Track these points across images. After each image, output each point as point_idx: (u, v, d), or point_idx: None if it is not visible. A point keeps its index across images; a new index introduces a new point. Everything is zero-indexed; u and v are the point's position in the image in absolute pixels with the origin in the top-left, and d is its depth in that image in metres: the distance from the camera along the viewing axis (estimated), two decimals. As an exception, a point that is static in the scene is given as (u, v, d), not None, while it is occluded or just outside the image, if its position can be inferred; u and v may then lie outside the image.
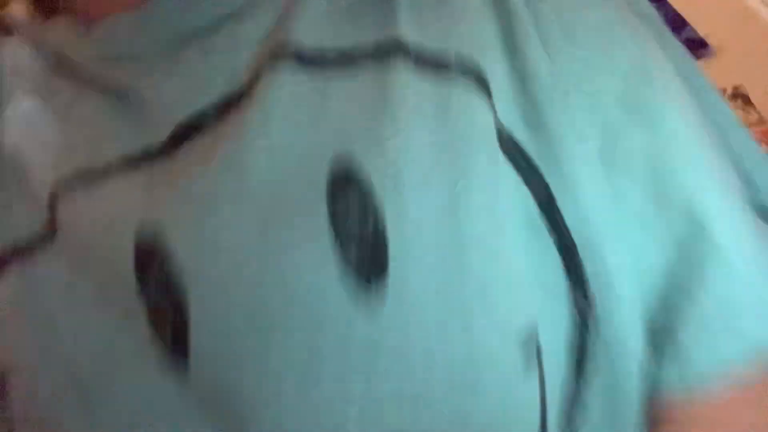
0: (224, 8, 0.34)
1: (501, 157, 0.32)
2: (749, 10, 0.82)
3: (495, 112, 0.32)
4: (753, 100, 0.89)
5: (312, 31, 0.33)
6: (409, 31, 0.33)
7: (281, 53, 0.32)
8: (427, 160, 0.31)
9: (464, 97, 0.32)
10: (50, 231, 0.33)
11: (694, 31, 0.87)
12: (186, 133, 0.33)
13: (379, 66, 0.32)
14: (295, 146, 0.31)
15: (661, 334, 0.32)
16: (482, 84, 0.33)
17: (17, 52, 0.37)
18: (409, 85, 0.32)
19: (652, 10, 0.38)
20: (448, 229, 0.30)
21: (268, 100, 0.32)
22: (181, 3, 0.34)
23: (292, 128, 0.31)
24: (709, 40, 0.87)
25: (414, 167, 0.30)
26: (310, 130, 0.31)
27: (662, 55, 0.35)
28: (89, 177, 0.33)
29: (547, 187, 0.32)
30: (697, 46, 0.86)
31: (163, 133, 0.33)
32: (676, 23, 0.86)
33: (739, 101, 0.89)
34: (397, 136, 0.31)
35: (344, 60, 0.33)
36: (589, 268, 0.31)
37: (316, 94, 0.32)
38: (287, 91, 0.32)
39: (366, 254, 0.29)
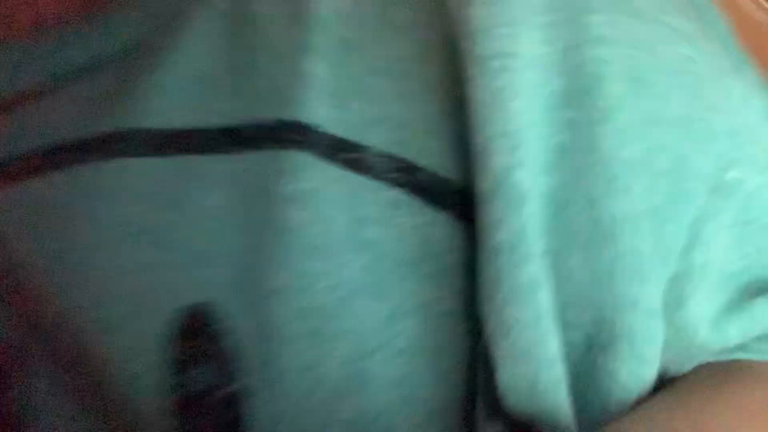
0: (94, 51, 0.28)
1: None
2: (743, 11, 0.82)
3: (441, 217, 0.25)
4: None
5: (171, 104, 0.24)
6: (320, 110, 0.23)
7: (126, 134, 0.25)
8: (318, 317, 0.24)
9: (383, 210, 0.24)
10: None
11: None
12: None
13: (266, 160, 0.23)
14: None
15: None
16: (420, 187, 0.25)
17: None
18: (313, 195, 0.23)
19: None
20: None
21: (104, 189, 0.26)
22: (53, 43, 0.29)
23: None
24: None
25: (292, 330, 0.23)
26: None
27: None
28: None
29: None
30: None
31: None
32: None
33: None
34: (281, 294, 0.23)
35: (215, 146, 0.23)
36: None
37: (169, 195, 0.24)
38: (131, 182, 0.25)
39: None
